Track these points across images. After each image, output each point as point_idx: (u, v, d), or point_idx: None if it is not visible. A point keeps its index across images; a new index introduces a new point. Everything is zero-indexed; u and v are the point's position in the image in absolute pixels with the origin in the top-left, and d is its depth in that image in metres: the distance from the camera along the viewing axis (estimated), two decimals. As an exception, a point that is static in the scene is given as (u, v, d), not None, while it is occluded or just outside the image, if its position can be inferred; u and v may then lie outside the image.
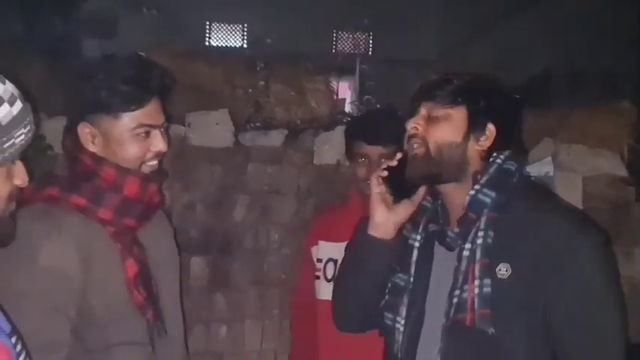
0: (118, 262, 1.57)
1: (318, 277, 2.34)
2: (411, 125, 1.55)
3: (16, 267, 1.44)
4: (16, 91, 1.18)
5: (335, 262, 2.30)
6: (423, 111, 1.55)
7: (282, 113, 3.15)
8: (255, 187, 2.97)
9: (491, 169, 1.51)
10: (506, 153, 1.54)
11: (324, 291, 2.29)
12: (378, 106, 3.32)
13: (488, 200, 1.48)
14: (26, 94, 1.22)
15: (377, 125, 2.25)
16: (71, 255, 1.51)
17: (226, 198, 2.96)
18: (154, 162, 1.63)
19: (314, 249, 2.38)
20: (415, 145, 1.53)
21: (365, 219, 1.65)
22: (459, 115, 1.52)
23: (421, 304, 1.55)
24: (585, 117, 3.11)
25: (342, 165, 2.43)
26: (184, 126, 2.96)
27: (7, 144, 1.15)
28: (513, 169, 1.52)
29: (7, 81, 1.18)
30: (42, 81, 3.06)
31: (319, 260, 2.35)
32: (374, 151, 2.18)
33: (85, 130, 1.59)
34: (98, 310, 1.54)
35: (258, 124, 3.11)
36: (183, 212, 2.92)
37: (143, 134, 1.59)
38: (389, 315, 1.59)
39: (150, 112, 1.60)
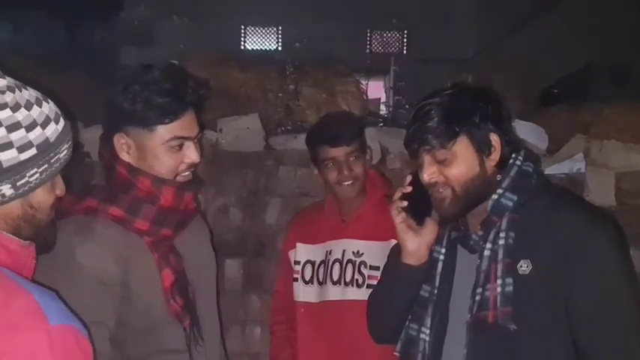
0: (156, 271, 1.59)
1: (296, 280, 2.36)
2: (427, 177, 1.55)
3: (57, 280, 1.42)
4: (58, 110, 1.25)
5: (313, 263, 2.33)
6: (428, 158, 1.54)
7: (313, 116, 3.17)
8: (286, 189, 3.01)
9: (512, 173, 1.54)
10: (522, 153, 1.56)
11: (303, 293, 2.33)
12: (407, 107, 3.32)
13: (510, 204, 1.52)
14: (63, 109, 1.27)
15: (337, 127, 2.28)
16: (110, 267, 1.53)
17: (258, 201, 3.01)
18: (187, 172, 1.64)
19: (291, 252, 2.40)
20: (440, 190, 1.55)
21: (396, 247, 1.70)
22: (463, 147, 1.52)
23: (445, 306, 1.59)
24: (619, 112, 3.04)
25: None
26: (216, 132, 3.01)
27: (54, 159, 1.22)
28: (531, 170, 1.55)
29: (49, 100, 1.24)
30: (79, 89, 3.15)
31: (297, 262, 2.37)
32: (340, 152, 2.21)
33: (120, 141, 1.59)
34: (137, 320, 1.55)
35: (288, 128, 3.15)
36: (217, 216, 2.97)
37: (177, 146, 1.59)
38: (414, 326, 1.64)
39: (185, 124, 1.58)
